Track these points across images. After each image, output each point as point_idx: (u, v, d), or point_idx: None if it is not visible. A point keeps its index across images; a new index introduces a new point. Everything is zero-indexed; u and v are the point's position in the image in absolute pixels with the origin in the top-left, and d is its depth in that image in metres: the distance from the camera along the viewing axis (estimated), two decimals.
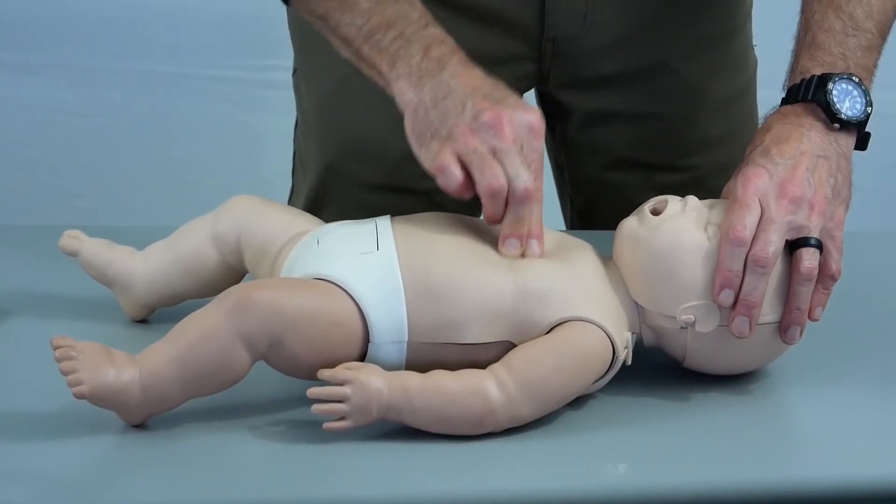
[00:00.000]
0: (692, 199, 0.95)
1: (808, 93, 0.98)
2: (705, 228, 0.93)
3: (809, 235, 0.93)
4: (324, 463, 0.85)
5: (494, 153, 0.91)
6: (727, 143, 1.29)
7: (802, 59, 1.02)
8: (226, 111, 2.56)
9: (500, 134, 0.91)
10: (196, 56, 2.61)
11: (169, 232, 1.02)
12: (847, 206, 0.96)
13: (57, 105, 2.58)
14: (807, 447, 0.91)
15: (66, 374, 0.84)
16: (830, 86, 0.98)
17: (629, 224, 0.95)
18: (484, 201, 0.92)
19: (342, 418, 0.86)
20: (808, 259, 0.92)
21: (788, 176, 0.94)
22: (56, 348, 0.85)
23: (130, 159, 2.52)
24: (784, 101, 1.01)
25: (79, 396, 0.84)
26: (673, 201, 0.94)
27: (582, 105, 1.28)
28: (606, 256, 0.96)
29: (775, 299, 0.93)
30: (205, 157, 2.48)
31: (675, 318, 0.92)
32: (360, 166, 1.27)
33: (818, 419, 0.94)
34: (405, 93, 0.96)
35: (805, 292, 0.92)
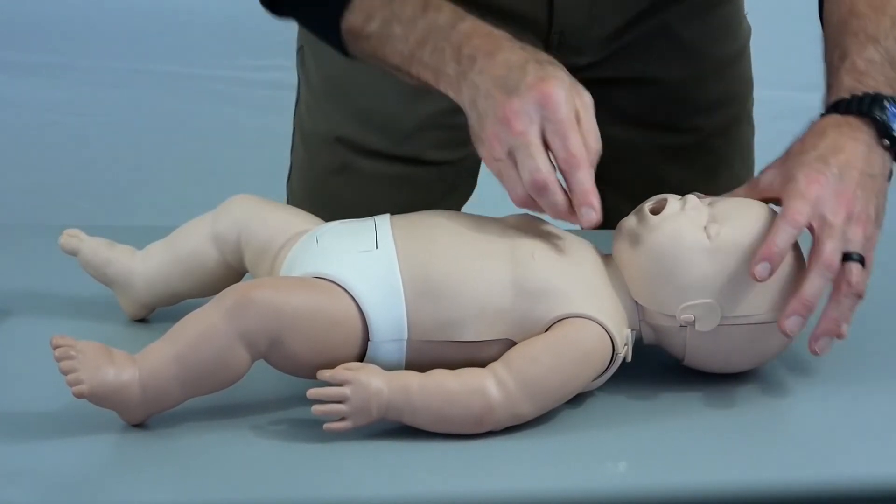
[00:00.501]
0: (691, 199, 0.95)
1: (864, 107, 0.99)
2: (705, 227, 0.93)
3: (853, 251, 0.94)
4: (324, 463, 0.85)
5: (511, 153, 0.92)
6: (726, 104, 1.33)
7: (846, 80, 1.02)
8: (226, 111, 2.56)
9: (510, 129, 0.92)
10: (196, 56, 2.61)
11: (169, 232, 1.02)
12: (881, 230, 0.97)
13: (57, 105, 2.57)
14: (807, 447, 0.91)
15: (65, 373, 0.84)
16: (886, 104, 0.99)
17: (628, 223, 0.95)
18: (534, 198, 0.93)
19: (342, 419, 0.86)
20: (857, 273, 0.93)
21: (845, 189, 0.94)
22: (56, 347, 0.85)
23: (130, 159, 2.52)
24: (828, 112, 1.01)
25: (78, 396, 0.84)
26: (672, 200, 0.94)
27: (586, 76, 1.29)
28: (606, 254, 0.96)
29: (776, 297, 0.92)
30: (205, 157, 2.48)
31: (674, 317, 0.92)
32: (370, 137, 1.28)
33: (818, 419, 0.94)
34: (456, 100, 0.98)
35: (848, 305, 0.93)
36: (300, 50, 1.35)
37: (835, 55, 1.05)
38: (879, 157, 0.98)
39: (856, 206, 0.94)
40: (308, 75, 1.34)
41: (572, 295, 0.90)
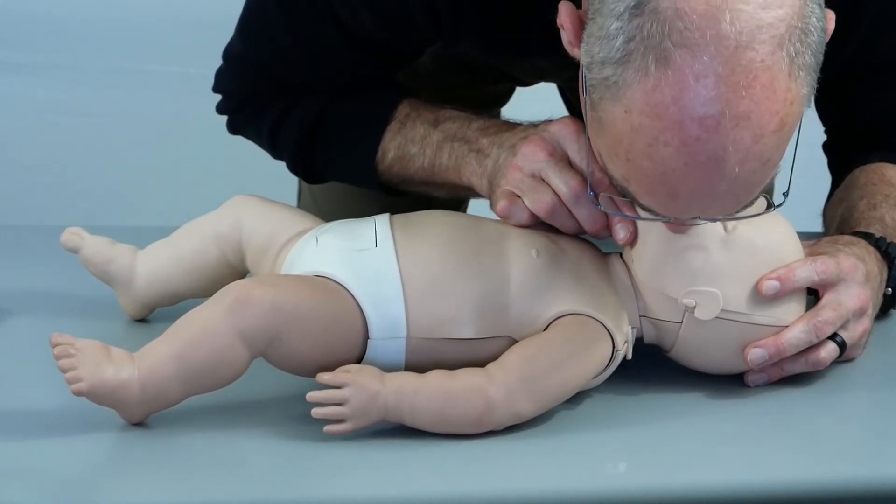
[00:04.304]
0: None
1: (892, 250, 1.02)
2: (723, 223, 0.93)
3: (842, 336, 0.96)
4: (324, 463, 0.85)
5: (537, 176, 0.95)
6: None
7: (874, 225, 1.05)
8: None
9: (536, 156, 0.95)
10: (196, 56, 2.60)
11: (169, 232, 1.02)
12: (859, 354, 1.00)
13: (57, 105, 2.57)
14: (807, 447, 0.91)
15: (64, 371, 0.84)
16: None
17: None
18: (550, 223, 0.95)
19: (342, 421, 0.86)
20: (828, 353, 0.95)
21: (866, 290, 0.97)
22: (55, 346, 0.85)
23: (130, 159, 2.52)
24: (857, 234, 1.04)
25: (77, 393, 0.84)
26: None
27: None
28: (606, 252, 0.96)
29: (775, 302, 0.93)
30: (205, 157, 2.47)
31: (676, 300, 0.92)
32: None
33: (818, 419, 0.94)
34: (480, 187, 1.01)
35: (799, 366, 0.95)
36: None
37: (861, 203, 1.08)
38: (879, 299, 1.02)
39: (868, 309, 0.97)
40: None
41: (572, 293, 0.90)
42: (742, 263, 0.92)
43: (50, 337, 0.86)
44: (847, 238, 1.02)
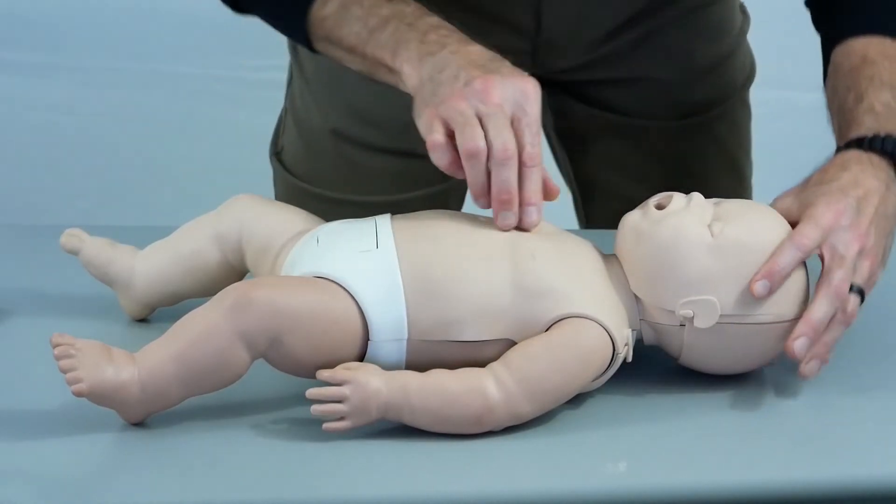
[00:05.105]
0: (697, 196, 0.95)
1: (888, 146, 1.01)
2: (709, 225, 0.93)
3: (856, 283, 0.95)
4: (324, 463, 0.85)
5: (480, 117, 0.92)
6: (719, 104, 1.33)
7: (866, 119, 1.03)
8: (226, 111, 2.56)
9: (486, 98, 0.92)
10: (196, 56, 2.61)
11: (169, 232, 1.02)
12: (884, 270, 0.99)
13: (57, 105, 2.58)
14: (806, 447, 0.90)
15: (65, 371, 0.84)
16: None
17: (633, 217, 0.95)
18: (464, 165, 0.92)
19: (342, 418, 0.86)
20: (853, 305, 0.94)
21: (860, 222, 0.96)
22: (55, 346, 0.85)
23: (130, 159, 2.52)
24: (848, 146, 1.02)
25: (78, 394, 0.84)
26: (678, 197, 0.95)
27: (576, 81, 1.30)
28: (606, 254, 0.96)
29: (775, 298, 0.93)
30: (205, 157, 2.48)
31: (673, 312, 0.92)
32: (364, 131, 1.28)
33: (818, 419, 0.94)
34: (410, 77, 0.98)
35: (839, 332, 0.94)
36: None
37: (849, 98, 1.06)
38: (894, 196, 1.00)
39: (868, 241, 0.96)
40: (301, 63, 1.33)
41: (572, 295, 0.90)
42: (734, 265, 0.92)
43: (50, 337, 0.86)
44: (836, 166, 1.00)
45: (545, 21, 1.22)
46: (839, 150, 1.03)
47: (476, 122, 0.92)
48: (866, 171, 0.99)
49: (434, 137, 0.93)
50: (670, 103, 1.32)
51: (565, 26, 1.23)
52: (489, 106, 0.92)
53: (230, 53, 2.60)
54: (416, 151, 1.22)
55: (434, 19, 1.01)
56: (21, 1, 2.60)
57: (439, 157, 0.93)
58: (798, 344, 0.92)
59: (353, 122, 1.29)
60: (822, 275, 0.94)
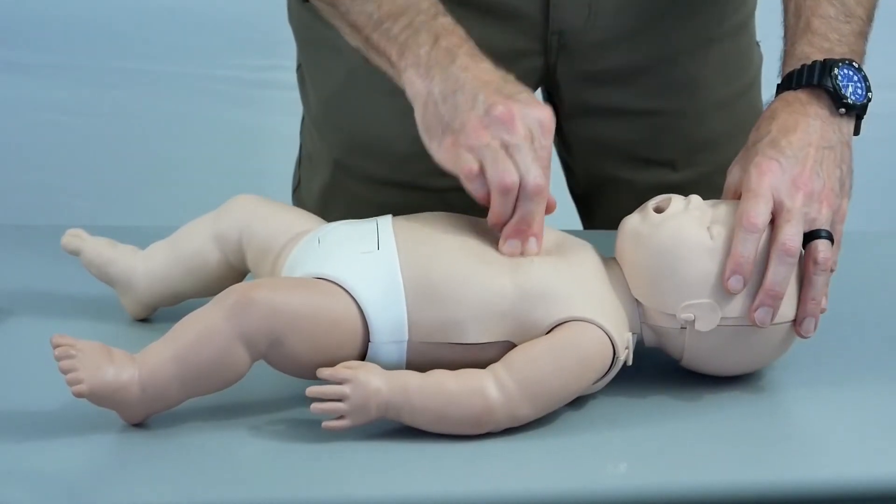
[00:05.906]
0: (695, 198, 0.95)
1: (813, 77, 0.98)
2: (708, 227, 0.93)
3: (820, 228, 0.93)
4: (324, 463, 0.85)
5: (506, 149, 0.91)
6: (732, 140, 1.26)
7: (799, 45, 1.01)
8: (226, 111, 2.56)
9: (511, 129, 0.91)
10: (196, 56, 2.61)
11: (169, 232, 1.02)
12: (849, 198, 0.97)
13: (57, 105, 2.57)
14: (807, 447, 0.91)
15: (65, 372, 0.84)
16: (836, 71, 0.98)
17: (632, 221, 0.95)
18: (494, 198, 0.91)
19: (341, 417, 0.86)
20: (824, 250, 0.93)
21: (800, 169, 0.94)
22: (55, 347, 0.85)
23: (130, 159, 2.52)
24: (782, 86, 1.00)
25: (78, 395, 0.84)
26: (676, 200, 0.94)
27: (587, 101, 1.28)
28: (607, 256, 0.96)
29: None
30: (205, 157, 2.48)
31: (674, 315, 0.92)
32: (367, 162, 1.27)
33: (818, 419, 0.94)
34: (414, 83, 0.96)
35: (822, 282, 0.93)
36: (299, 68, 1.34)
37: (790, 13, 1.04)
38: (836, 126, 0.97)
39: (814, 184, 0.94)
40: (307, 97, 1.32)
41: (573, 298, 0.90)
42: None
43: (50, 338, 0.86)
44: (766, 118, 0.97)
45: (554, 13, 1.20)
46: (777, 92, 1.01)
47: (505, 155, 0.91)
48: (795, 112, 0.97)
49: (471, 167, 0.91)
50: (678, 143, 1.28)
51: (575, 20, 1.20)
52: (514, 137, 0.91)
53: (230, 53, 2.59)
54: (416, 184, 1.22)
55: (448, 21, 0.99)
56: (21, 1, 2.60)
57: (477, 188, 0.92)
58: (759, 314, 0.91)
59: (354, 154, 1.27)
60: (771, 235, 0.92)
